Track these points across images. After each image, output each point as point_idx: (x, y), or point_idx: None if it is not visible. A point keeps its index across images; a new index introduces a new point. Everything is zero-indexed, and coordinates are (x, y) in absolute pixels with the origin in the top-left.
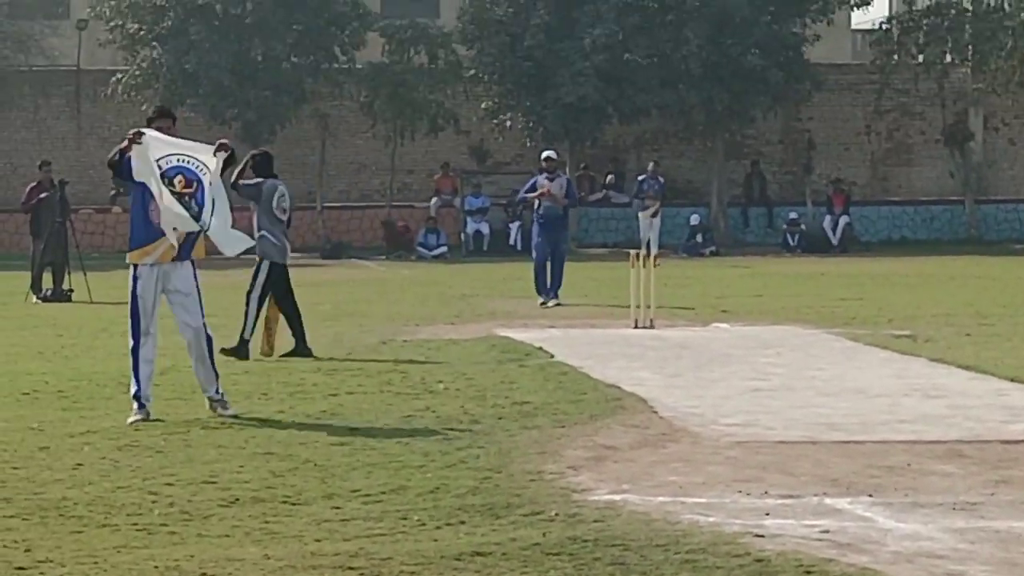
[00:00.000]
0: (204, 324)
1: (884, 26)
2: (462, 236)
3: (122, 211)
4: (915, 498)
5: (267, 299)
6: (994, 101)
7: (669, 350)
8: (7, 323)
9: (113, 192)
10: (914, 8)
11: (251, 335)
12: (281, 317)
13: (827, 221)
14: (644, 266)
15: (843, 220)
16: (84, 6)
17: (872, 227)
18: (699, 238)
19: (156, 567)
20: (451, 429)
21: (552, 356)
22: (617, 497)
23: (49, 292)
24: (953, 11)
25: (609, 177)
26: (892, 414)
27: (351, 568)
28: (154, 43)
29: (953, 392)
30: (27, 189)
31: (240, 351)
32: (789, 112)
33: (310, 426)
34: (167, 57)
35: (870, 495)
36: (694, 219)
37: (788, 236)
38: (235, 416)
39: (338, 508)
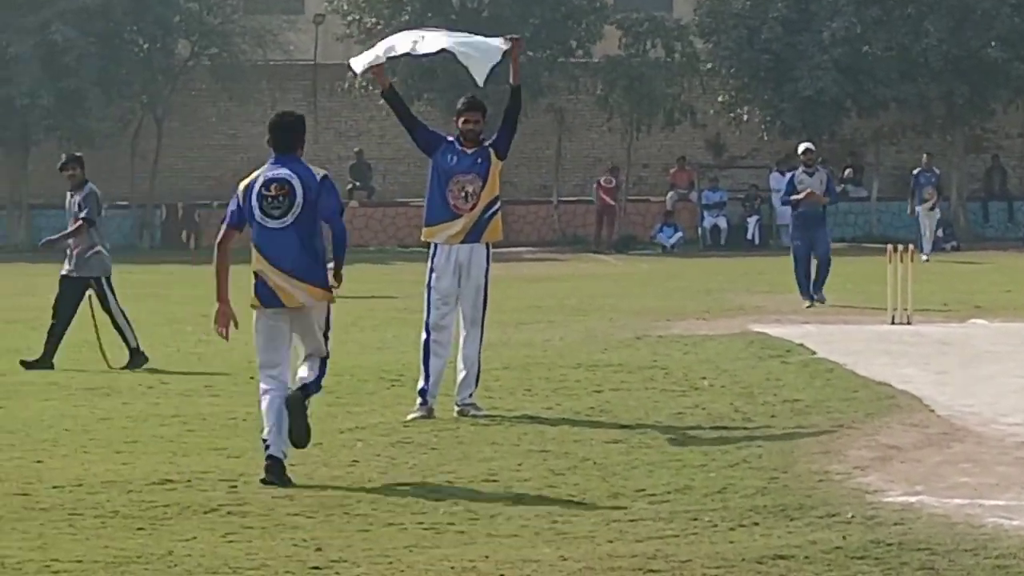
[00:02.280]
0: (482, 319)
1: None
2: (699, 230)
3: (358, 205)
4: None
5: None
6: None
7: (931, 347)
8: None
9: (350, 186)
10: None
11: (136, 341)
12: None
13: None
14: (901, 261)
15: None
16: (320, 0)
17: None
18: (940, 232)
19: (452, 567)
20: (725, 427)
21: (814, 353)
22: (912, 499)
23: None
24: None
25: (847, 171)
26: None
27: (651, 571)
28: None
29: None
30: None
31: (137, 360)
32: None
33: (580, 423)
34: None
35: None
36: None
37: None
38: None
39: (624, 508)
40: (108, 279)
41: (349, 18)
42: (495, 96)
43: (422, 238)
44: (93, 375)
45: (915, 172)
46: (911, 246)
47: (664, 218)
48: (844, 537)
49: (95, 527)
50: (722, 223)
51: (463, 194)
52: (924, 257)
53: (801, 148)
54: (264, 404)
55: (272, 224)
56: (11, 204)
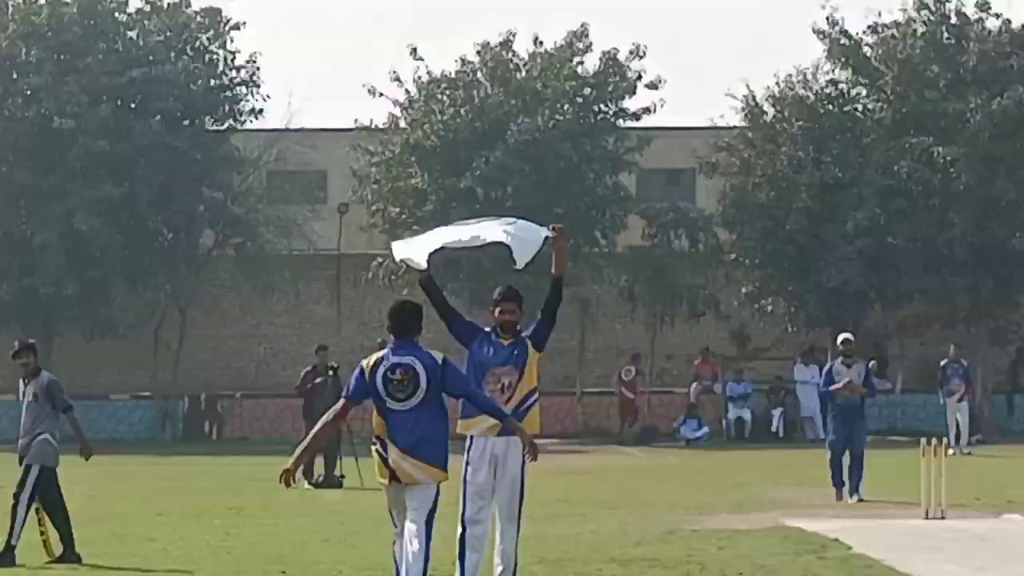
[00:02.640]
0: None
1: None
2: (723, 422)
3: None
4: None
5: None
6: None
7: (969, 543)
8: (285, 509)
9: None
10: None
11: (18, 540)
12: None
13: None
14: (935, 455)
15: None
16: (345, 190)
17: None
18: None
19: None
20: None
21: (850, 548)
22: None
23: (321, 478)
24: None
25: (872, 363)
26: None
27: None
28: (415, 227)
29: None
30: (302, 373)
31: (5, 558)
32: None
33: None
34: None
35: None
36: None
37: None
38: None
39: None
40: (48, 470)
41: (374, 208)
42: (521, 285)
43: (458, 430)
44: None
45: (943, 363)
46: (944, 439)
47: (687, 410)
48: None
49: None
50: (746, 415)
51: (499, 386)
52: (951, 450)
53: (840, 338)
54: (396, 549)
55: (396, 406)
56: None
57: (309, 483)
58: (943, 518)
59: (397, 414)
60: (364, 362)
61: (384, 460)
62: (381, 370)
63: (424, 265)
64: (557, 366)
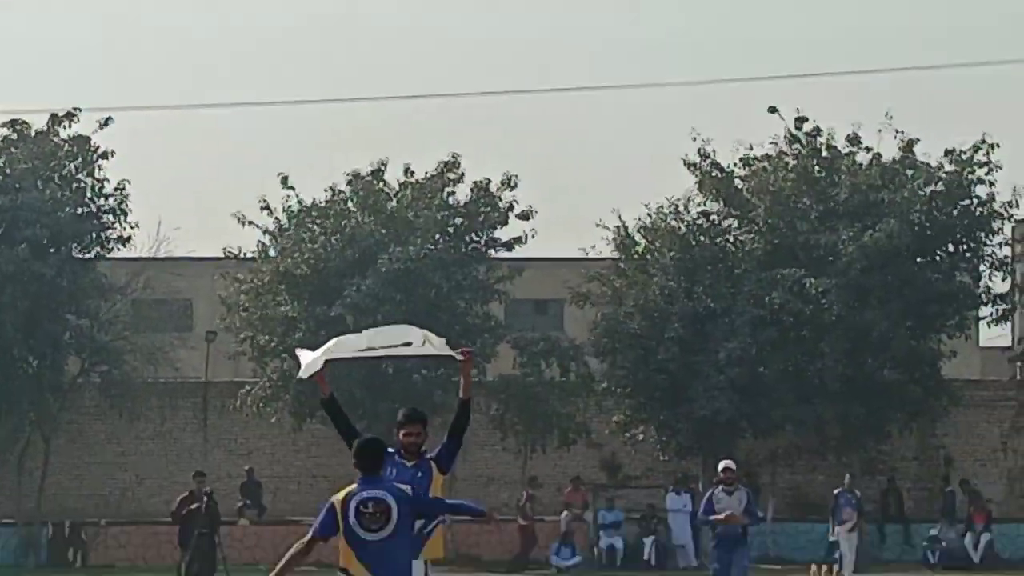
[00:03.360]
0: None
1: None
2: (595, 550)
3: (249, 523)
4: None
5: None
6: None
7: None
8: None
9: (240, 504)
10: None
11: None
12: None
13: (968, 538)
14: None
15: (985, 537)
16: (211, 318)
17: (1012, 544)
18: (837, 555)
19: None
20: None
21: None
22: None
23: None
24: None
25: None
26: None
27: None
28: (284, 355)
29: None
30: (178, 499)
31: None
32: (925, 428)
33: None
34: (297, 369)
35: None
36: (837, 532)
37: (928, 553)
38: None
39: None
40: None
41: (242, 336)
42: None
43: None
44: None
45: (836, 492)
46: (835, 566)
47: (561, 538)
48: None
49: None
50: (618, 543)
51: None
52: None
53: (721, 466)
54: None
55: (369, 536)
56: None
57: None
58: None
59: (370, 544)
60: (334, 499)
61: None
62: (353, 504)
63: (318, 367)
64: None
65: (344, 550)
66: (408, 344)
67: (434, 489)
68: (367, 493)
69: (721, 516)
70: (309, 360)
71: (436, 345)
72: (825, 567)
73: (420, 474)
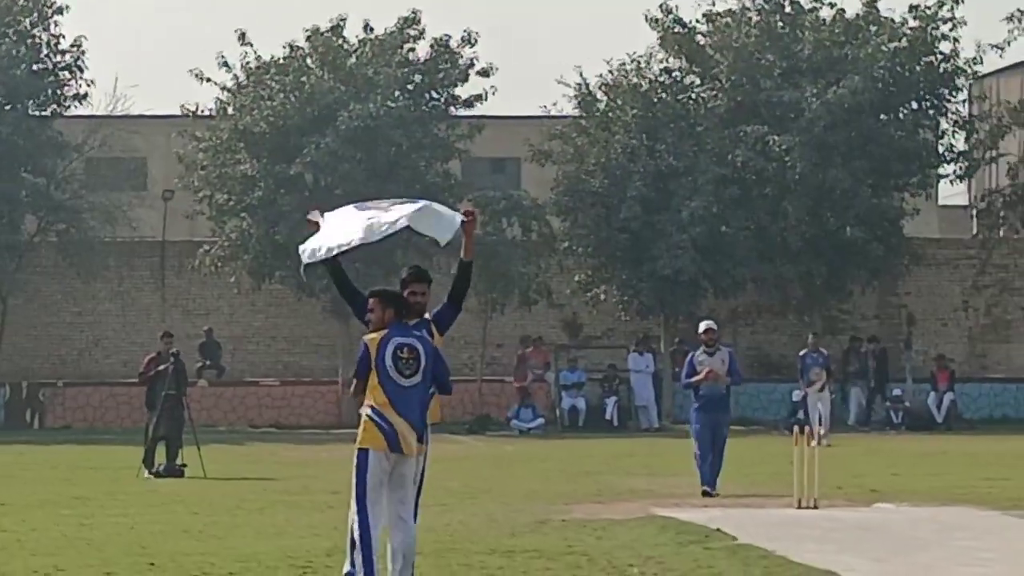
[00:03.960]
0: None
1: (986, 199)
2: (556, 411)
3: (208, 384)
4: None
5: None
6: None
7: (851, 532)
8: (129, 499)
9: (199, 365)
10: (1016, 181)
11: None
12: None
13: (931, 398)
14: (808, 444)
15: (948, 397)
16: (169, 178)
17: (973, 404)
18: (800, 415)
19: None
20: None
21: (735, 538)
22: None
23: (162, 467)
24: None
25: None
26: None
27: None
28: (243, 214)
29: None
30: (145, 360)
31: None
32: (886, 287)
33: None
34: (256, 228)
35: None
36: (796, 395)
37: (892, 413)
38: None
39: None
40: None
41: (200, 195)
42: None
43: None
44: None
45: (801, 354)
46: (806, 427)
47: (521, 399)
48: None
49: None
50: (580, 404)
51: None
52: (814, 442)
53: (702, 327)
54: (357, 533)
55: (403, 382)
56: None
57: (149, 472)
58: (816, 508)
59: (402, 389)
60: (366, 339)
61: (383, 429)
62: (390, 347)
63: (309, 260)
64: None
65: (375, 390)
66: (418, 219)
67: (438, 340)
68: (401, 339)
69: (702, 375)
70: (318, 249)
71: (447, 219)
72: (808, 429)
73: (419, 332)
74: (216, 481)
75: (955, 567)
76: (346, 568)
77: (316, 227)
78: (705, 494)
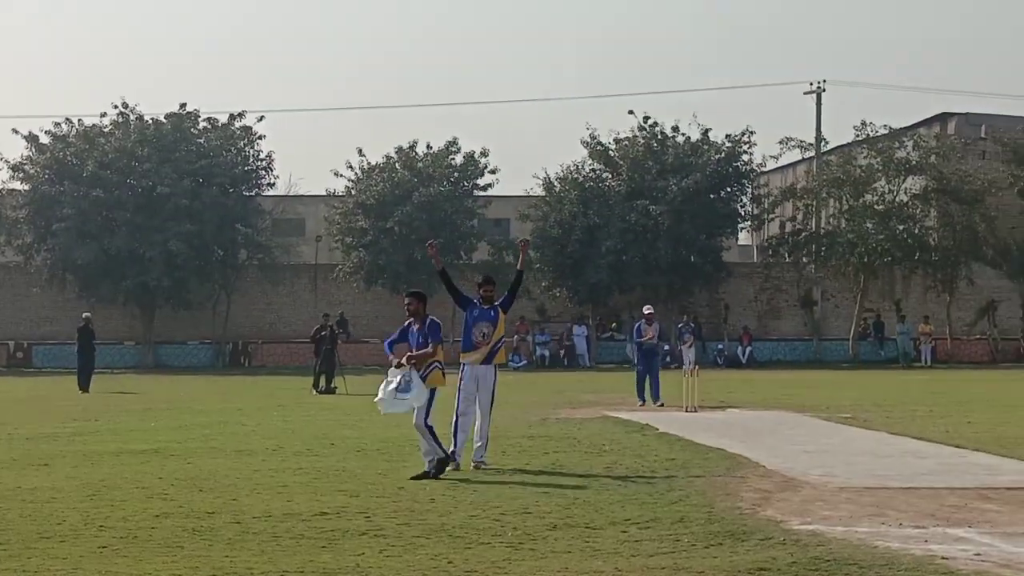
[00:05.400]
0: (490, 410)
1: (766, 242)
2: (534, 357)
3: (343, 341)
4: (1003, 528)
5: None
6: (827, 283)
7: (723, 426)
8: (307, 406)
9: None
10: (786, 232)
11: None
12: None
13: (739, 350)
14: (687, 376)
15: (748, 349)
16: (320, 228)
17: (762, 353)
18: (675, 362)
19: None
20: (644, 477)
21: (658, 429)
22: (810, 527)
23: (323, 388)
24: (806, 234)
25: (613, 324)
26: (910, 469)
27: None
28: (360, 249)
29: (930, 454)
30: (313, 329)
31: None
32: (713, 289)
33: (553, 473)
34: (367, 257)
35: (969, 526)
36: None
37: (716, 358)
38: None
39: (625, 531)
40: None
41: (336, 239)
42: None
43: (460, 360)
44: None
45: (679, 325)
46: (696, 367)
47: (515, 350)
48: (792, 554)
49: (294, 546)
50: (547, 353)
51: (481, 335)
52: (689, 376)
53: (646, 310)
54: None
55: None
56: (144, 342)
57: (316, 391)
58: (696, 411)
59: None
60: (436, 318)
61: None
62: (475, 312)
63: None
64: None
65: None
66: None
67: (500, 323)
68: (479, 311)
69: (645, 338)
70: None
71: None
72: (686, 368)
73: (492, 314)
74: (355, 396)
75: (787, 446)
76: (451, 448)
77: (435, 250)
78: (642, 406)
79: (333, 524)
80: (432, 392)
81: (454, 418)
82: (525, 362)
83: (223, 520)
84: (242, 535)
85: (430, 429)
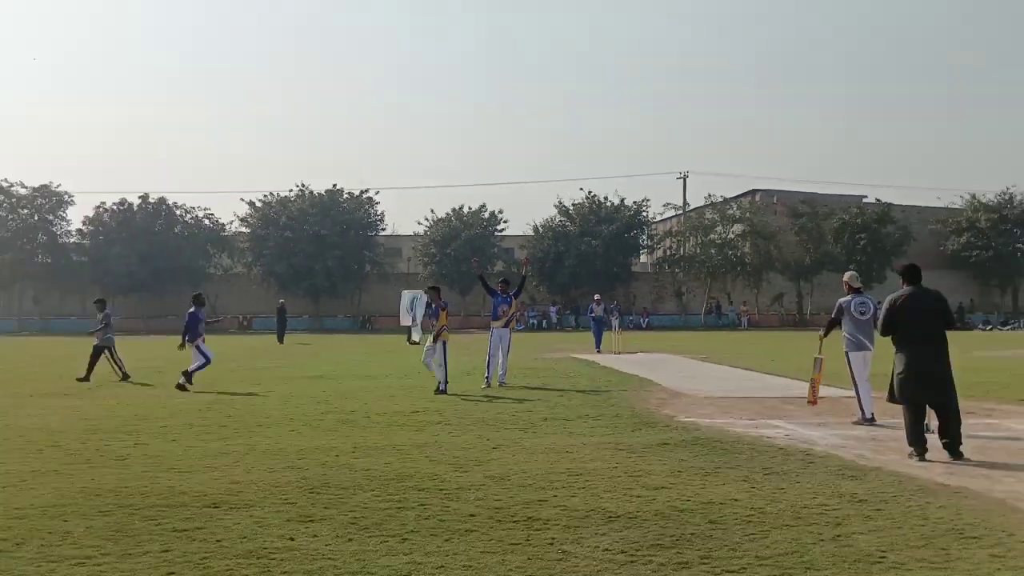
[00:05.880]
0: (508, 353)
1: (657, 261)
2: (529, 324)
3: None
4: (807, 419)
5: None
6: (689, 284)
7: (635, 364)
8: (404, 352)
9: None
10: (666, 255)
11: None
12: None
13: (642, 320)
14: (616, 335)
15: (646, 320)
16: (409, 253)
17: (653, 322)
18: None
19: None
20: (596, 390)
21: (600, 364)
22: (689, 419)
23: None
24: (677, 257)
25: (572, 306)
26: (744, 386)
27: (619, 448)
28: (432, 265)
29: (754, 378)
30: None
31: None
32: (627, 286)
33: (540, 388)
34: (434, 269)
35: (780, 419)
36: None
37: (629, 325)
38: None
39: (585, 422)
40: None
41: (422, 258)
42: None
43: (491, 325)
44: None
45: (611, 306)
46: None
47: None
48: (682, 435)
49: (398, 430)
50: (534, 322)
51: (502, 312)
52: (614, 333)
53: (596, 297)
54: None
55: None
56: (313, 316)
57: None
58: (619, 355)
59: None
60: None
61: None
62: (502, 305)
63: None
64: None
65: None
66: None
67: (513, 304)
68: (505, 302)
69: (595, 312)
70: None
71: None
72: (615, 331)
73: (508, 299)
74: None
75: (673, 373)
76: (486, 375)
77: (478, 264)
78: (597, 352)
79: (420, 418)
80: (444, 344)
81: (488, 358)
82: (522, 327)
83: (359, 415)
84: (370, 424)
85: (440, 367)
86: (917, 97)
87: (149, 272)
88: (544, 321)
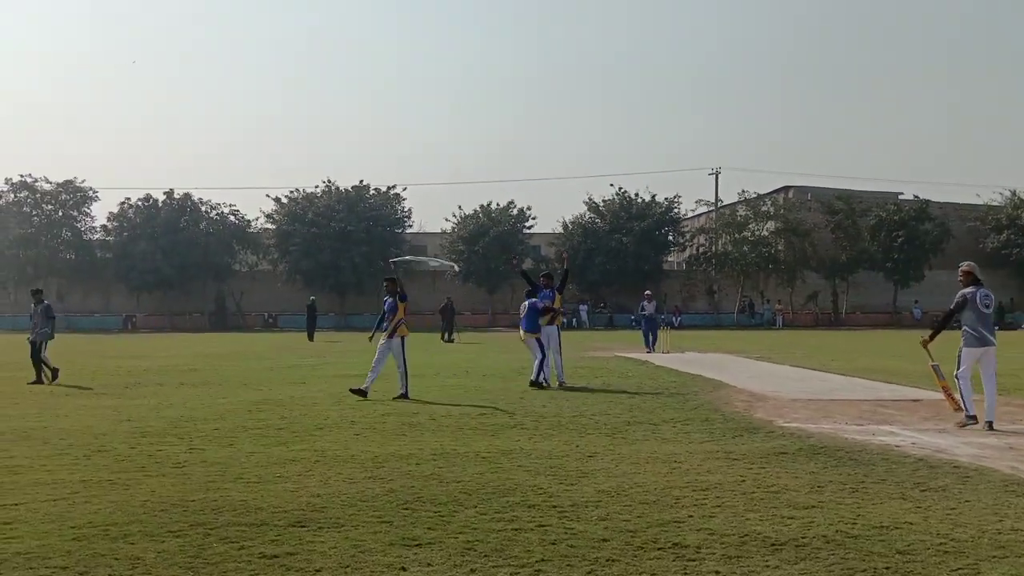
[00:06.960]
0: (560, 350)
1: (689, 258)
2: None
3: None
4: (919, 425)
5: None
6: (721, 282)
7: (693, 362)
8: (440, 350)
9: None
10: (698, 253)
11: None
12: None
13: (674, 319)
14: (666, 331)
15: (679, 318)
16: (435, 250)
17: (685, 321)
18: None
19: (649, 457)
20: (668, 392)
21: (657, 365)
22: (792, 425)
23: (447, 339)
24: (709, 255)
25: (602, 304)
26: (823, 387)
27: (726, 457)
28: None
29: (827, 379)
30: (441, 305)
31: None
32: (657, 284)
33: (619, 391)
34: (456, 263)
35: (889, 424)
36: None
37: (666, 324)
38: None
39: (674, 427)
40: None
41: (447, 256)
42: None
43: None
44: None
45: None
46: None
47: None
48: (792, 444)
49: (472, 434)
50: (565, 320)
51: (547, 308)
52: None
53: (646, 293)
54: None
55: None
56: (340, 313)
57: (443, 341)
58: (668, 353)
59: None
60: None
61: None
62: (542, 293)
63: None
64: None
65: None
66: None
67: (557, 299)
68: (540, 300)
69: (646, 312)
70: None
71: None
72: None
73: (551, 293)
74: (463, 344)
75: (740, 374)
76: (542, 375)
77: (517, 261)
78: (647, 352)
79: (489, 420)
80: (402, 340)
81: (541, 357)
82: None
83: (422, 417)
84: (438, 427)
85: (402, 374)
86: (955, 92)
87: (174, 268)
88: (574, 320)
